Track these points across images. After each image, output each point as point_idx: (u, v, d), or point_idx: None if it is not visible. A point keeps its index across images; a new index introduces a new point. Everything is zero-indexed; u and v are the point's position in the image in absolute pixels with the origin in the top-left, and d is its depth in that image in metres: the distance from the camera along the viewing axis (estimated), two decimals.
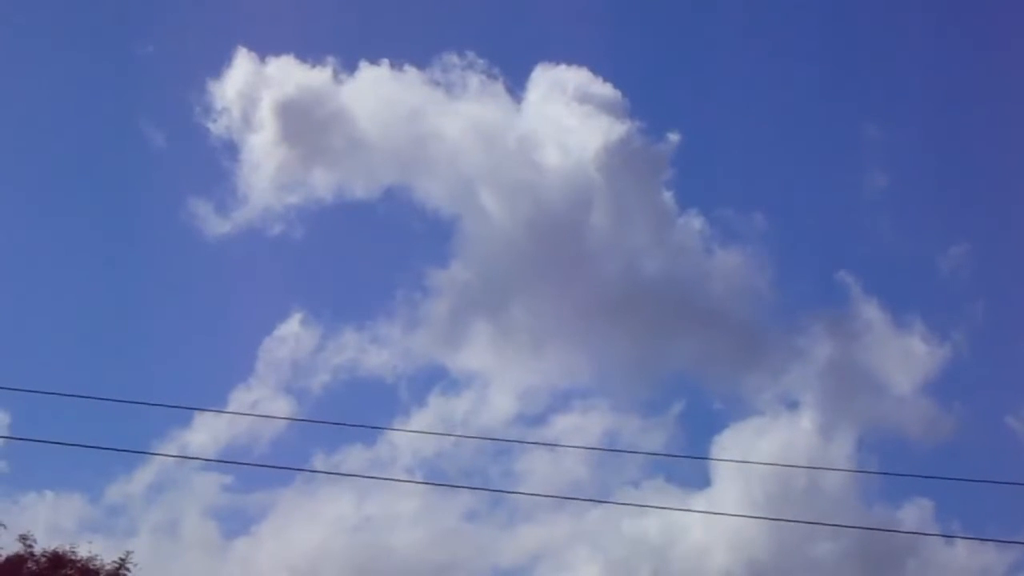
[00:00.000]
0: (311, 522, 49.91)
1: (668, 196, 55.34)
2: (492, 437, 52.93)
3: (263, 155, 54.92)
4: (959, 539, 49.27)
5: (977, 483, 36.67)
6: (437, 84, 55.42)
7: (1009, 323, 57.02)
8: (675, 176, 55.46)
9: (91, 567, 34.68)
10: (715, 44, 62.03)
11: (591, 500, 55.24)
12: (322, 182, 55.57)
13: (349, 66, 56.18)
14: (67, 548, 34.84)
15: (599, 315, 54.00)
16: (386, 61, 55.31)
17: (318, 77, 55.28)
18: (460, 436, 52.96)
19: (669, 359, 54.94)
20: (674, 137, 54.88)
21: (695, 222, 55.10)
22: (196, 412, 47.92)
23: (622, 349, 54.74)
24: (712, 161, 59.91)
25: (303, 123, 54.92)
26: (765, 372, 54.04)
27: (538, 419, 53.07)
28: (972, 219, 58.89)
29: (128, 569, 34.95)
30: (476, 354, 53.84)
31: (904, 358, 52.82)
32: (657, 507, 48.25)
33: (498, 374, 54.13)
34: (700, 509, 47.00)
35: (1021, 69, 60.48)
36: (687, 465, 54.98)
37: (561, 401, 53.75)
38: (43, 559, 34.40)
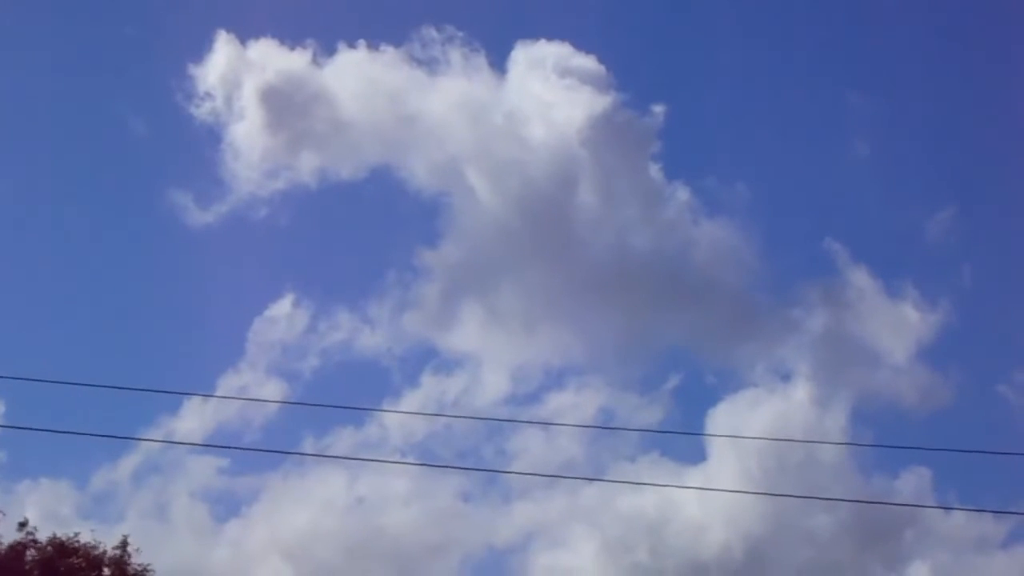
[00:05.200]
0: (303, 504, 49.87)
1: (656, 169, 55.34)
2: (485, 417, 52.74)
3: (247, 140, 54.89)
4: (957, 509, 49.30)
5: (973, 452, 36.92)
6: (418, 61, 55.35)
7: (997, 286, 57.24)
8: (662, 149, 55.34)
9: (94, 553, 34.50)
10: (697, 15, 62.12)
11: (584, 478, 54.97)
12: (307, 166, 55.50)
13: (328, 48, 56.03)
14: (69, 535, 34.79)
15: (590, 291, 54.02)
16: (363, 42, 55.30)
17: (298, 60, 55.23)
18: (453, 416, 52.83)
19: (661, 334, 54.98)
20: (659, 109, 54.79)
21: (682, 194, 55.00)
22: (186, 397, 47.66)
23: (614, 325, 54.71)
24: (698, 133, 59.93)
25: (286, 107, 54.85)
26: (758, 344, 54.12)
27: (531, 397, 53.12)
28: (957, 184, 59.03)
29: (129, 554, 34.91)
30: (468, 334, 53.79)
31: (896, 326, 52.95)
32: (651, 484, 47.92)
33: (490, 353, 54.08)
34: (695, 484, 47.22)
35: (1001, 35, 60.45)
36: (682, 439, 55.10)
37: (554, 379, 53.80)
38: (48, 548, 34.18)
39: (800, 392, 50.49)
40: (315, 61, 55.10)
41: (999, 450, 37.02)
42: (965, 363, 53.80)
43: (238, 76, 54.81)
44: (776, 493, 45.91)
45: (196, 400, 48.07)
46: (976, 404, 52.20)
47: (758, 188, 57.45)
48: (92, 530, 35.33)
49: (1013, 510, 50.44)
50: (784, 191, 60.54)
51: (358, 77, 55.26)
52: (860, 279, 53.73)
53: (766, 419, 49.40)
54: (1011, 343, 55.01)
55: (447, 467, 57.99)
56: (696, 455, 48.87)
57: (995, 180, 58.83)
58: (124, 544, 34.93)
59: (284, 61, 54.85)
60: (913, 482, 47.84)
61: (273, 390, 52.13)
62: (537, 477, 54.82)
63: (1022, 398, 51.59)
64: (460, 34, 55.55)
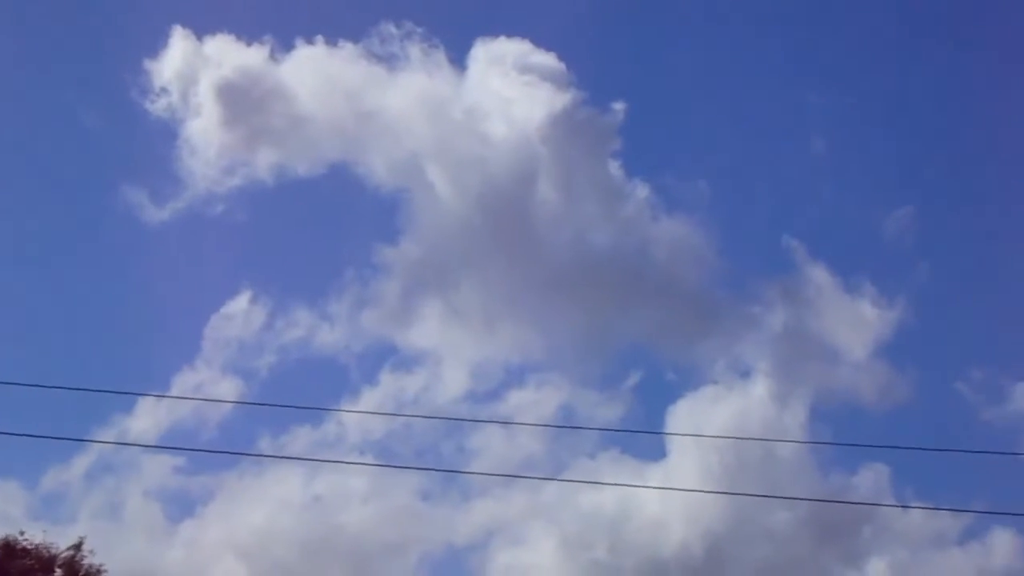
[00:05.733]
0: (259, 503, 49.61)
1: (616, 166, 55.26)
2: (444, 416, 52.45)
3: (203, 136, 54.45)
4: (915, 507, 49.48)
5: (931, 450, 36.99)
6: (377, 57, 55.04)
7: (954, 284, 57.42)
8: (622, 146, 55.24)
9: (47, 554, 34.15)
10: (657, 14, 62.04)
11: (543, 478, 54.71)
12: (264, 162, 55.07)
13: (285, 44, 55.67)
14: (16, 536, 34.42)
15: (550, 288, 53.88)
16: (321, 38, 55.00)
17: (255, 56, 54.86)
18: (412, 416, 52.57)
19: (621, 331, 54.86)
20: (619, 107, 54.61)
21: (642, 192, 54.95)
22: (140, 396, 47.21)
23: (574, 322, 54.59)
24: (658, 130, 59.95)
25: (243, 103, 54.48)
26: (717, 341, 54.14)
27: (492, 395, 52.94)
28: (914, 182, 59.12)
29: (84, 555, 34.58)
30: (427, 331, 53.51)
31: (854, 323, 53.00)
32: (611, 484, 47.81)
33: (450, 351, 53.83)
34: (656, 481, 47.09)
35: (958, 35, 60.66)
36: (643, 436, 55.02)
37: (514, 376, 53.64)
38: None
39: (759, 389, 50.60)
40: (272, 57, 54.92)
41: (956, 447, 37.37)
42: (922, 360, 54.07)
43: (194, 72, 54.52)
44: (735, 492, 45.93)
45: (151, 398, 47.67)
46: (933, 401, 52.48)
47: (718, 185, 57.61)
48: (44, 531, 35.10)
49: (970, 507, 50.95)
50: (743, 189, 60.66)
51: (316, 73, 55.11)
52: (819, 276, 53.93)
53: (726, 416, 49.48)
54: (967, 341, 55.36)
55: (404, 467, 57.48)
56: (656, 452, 48.92)
57: (952, 178, 59.15)
58: (79, 545, 34.68)
59: (241, 57, 54.62)
60: (871, 479, 48.00)
61: (229, 388, 51.97)
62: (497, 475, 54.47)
63: (978, 395, 51.86)
64: (419, 30, 55.48)
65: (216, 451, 51.11)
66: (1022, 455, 47.71)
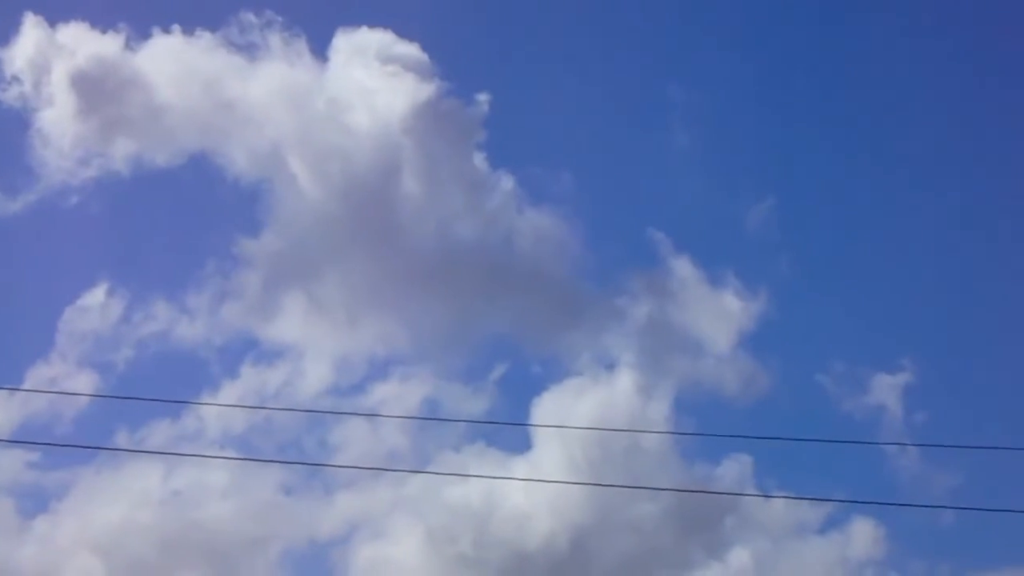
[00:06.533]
0: (116, 498, 48.68)
1: (480, 158, 55.08)
2: (307, 409, 51.64)
3: (57, 127, 53.15)
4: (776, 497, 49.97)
5: (793, 440, 37.40)
6: (236, 46, 54.24)
7: (815, 276, 57.94)
8: (487, 138, 55.06)
9: None
10: (521, 5, 62.09)
11: (408, 471, 54.21)
12: (121, 152, 53.78)
13: (141, 33, 54.49)
14: None
15: (414, 281, 53.46)
16: (178, 27, 53.95)
17: (110, 45, 53.68)
18: (275, 408, 51.75)
19: (486, 323, 54.67)
20: (483, 98, 54.40)
21: (507, 183, 54.84)
22: None
23: (438, 315, 54.25)
24: (522, 122, 59.69)
25: (98, 93, 53.19)
26: (582, 333, 54.06)
27: (355, 388, 52.38)
28: (775, 174, 59.54)
29: None
30: (289, 324, 52.74)
31: (718, 315, 53.32)
32: (475, 476, 47.78)
33: (312, 344, 53.12)
34: (522, 473, 46.97)
35: (817, 26, 61.36)
36: (508, 429, 54.95)
37: (378, 369, 53.04)
38: None
39: (624, 381, 50.70)
40: (128, 46, 53.76)
41: (817, 438, 37.82)
42: (784, 352, 54.52)
43: (47, 60, 53.19)
44: (599, 483, 45.82)
45: (3, 392, 46.45)
46: (795, 393, 52.91)
47: (582, 177, 57.58)
48: None
49: (831, 497, 51.63)
50: (608, 181, 60.73)
51: (173, 62, 53.99)
52: (683, 268, 54.19)
53: (591, 408, 49.52)
54: (828, 333, 55.97)
55: (263, 460, 56.71)
56: (522, 444, 48.80)
57: (812, 171, 59.70)
58: None
59: (96, 45, 53.37)
60: (735, 469, 48.38)
61: (85, 382, 50.85)
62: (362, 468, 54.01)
63: (839, 387, 52.41)
64: (280, 19, 54.75)
65: (70, 445, 49.92)
66: (881, 445, 48.84)
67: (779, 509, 48.54)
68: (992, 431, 49.51)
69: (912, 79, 59.46)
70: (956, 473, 47.51)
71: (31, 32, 52.93)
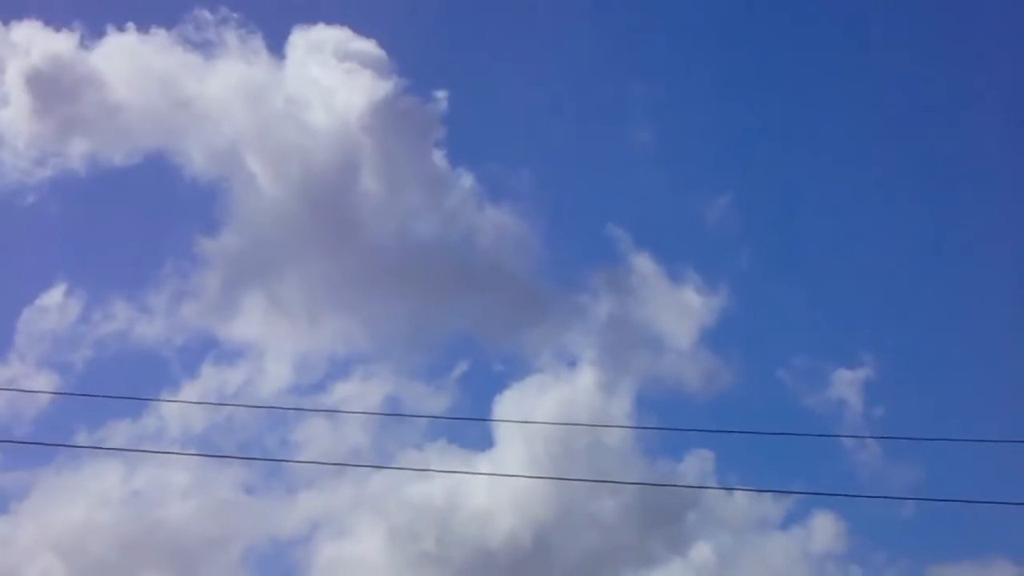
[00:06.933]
0: (76, 498, 48.38)
1: (439, 155, 54.95)
2: (268, 406, 51.44)
3: (11, 126, 52.84)
4: (739, 490, 50.24)
5: (755, 433, 37.56)
6: (192, 44, 53.95)
7: (774, 272, 58.19)
8: (446, 135, 54.99)
9: None
10: (479, 1, 61.84)
11: (371, 466, 54.19)
12: (77, 152, 53.50)
13: (96, 31, 54.18)
14: None
15: (374, 279, 53.43)
16: (132, 25, 53.69)
17: (65, 44, 53.35)
18: (235, 405, 51.51)
19: (447, 321, 54.59)
20: (442, 95, 54.33)
21: (467, 181, 54.80)
22: None
23: (399, 313, 54.15)
24: (482, 119, 59.75)
25: (53, 92, 52.87)
26: (544, 330, 54.01)
27: (316, 387, 52.18)
28: (735, 170, 59.62)
29: None
30: (249, 323, 52.55)
31: (679, 311, 53.43)
32: (438, 471, 47.64)
33: (273, 343, 52.90)
34: (484, 471, 46.99)
35: (776, 22, 61.54)
36: (470, 426, 54.86)
37: (339, 368, 52.87)
38: None
39: (586, 377, 50.75)
40: (83, 44, 53.49)
41: (778, 431, 37.99)
42: (745, 348, 54.64)
43: (1, 60, 52.95)
44: (561, 477, 46.00)
45: None
46: (756, 388, 53.10)
47: (542, 174, 57.52)
48: None
49: (791, 489, 51.94)
50: (568, 177, 60.72)
51: (129, 61, 53.69)
52: (643, 265, 54.24)
53: (553, 405, 49.59)
54: (788, 328, 56.15)
55: (224, 456, 56.56)
56: (484, 442, 48.80)
57: (771, 166, 59.83)
58: None
59: (50, 44, 53.02)
60: (697, 465, 48.56)
61: (45, 382, 50.34)
62: (323, 466, 53.79)
63: (799, 382, 52.64)
64: (235, 16, 54.50)
65: (29, 442, 49.73)
66: (842, 438, 49.07)
67: (741, 504, 48.86)
68: (951, 425, 49.85)
69: (870, 72, 59.86)
70: (916, 467, 47.77)
71: None
